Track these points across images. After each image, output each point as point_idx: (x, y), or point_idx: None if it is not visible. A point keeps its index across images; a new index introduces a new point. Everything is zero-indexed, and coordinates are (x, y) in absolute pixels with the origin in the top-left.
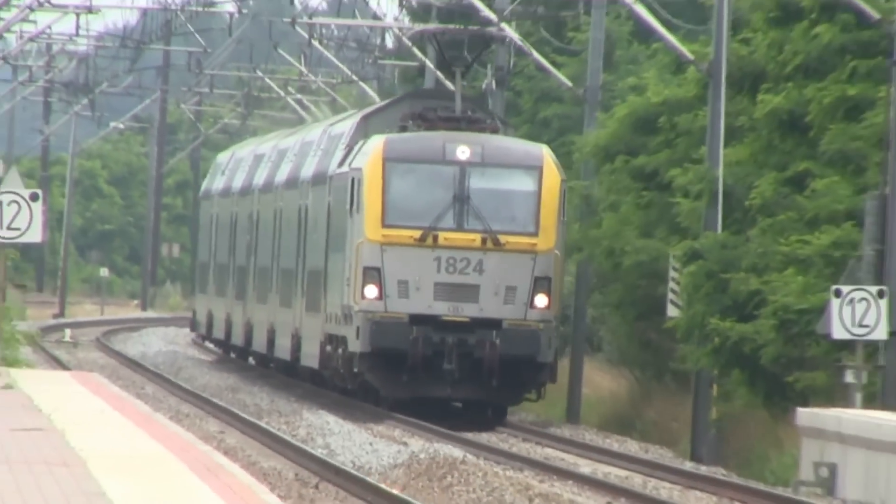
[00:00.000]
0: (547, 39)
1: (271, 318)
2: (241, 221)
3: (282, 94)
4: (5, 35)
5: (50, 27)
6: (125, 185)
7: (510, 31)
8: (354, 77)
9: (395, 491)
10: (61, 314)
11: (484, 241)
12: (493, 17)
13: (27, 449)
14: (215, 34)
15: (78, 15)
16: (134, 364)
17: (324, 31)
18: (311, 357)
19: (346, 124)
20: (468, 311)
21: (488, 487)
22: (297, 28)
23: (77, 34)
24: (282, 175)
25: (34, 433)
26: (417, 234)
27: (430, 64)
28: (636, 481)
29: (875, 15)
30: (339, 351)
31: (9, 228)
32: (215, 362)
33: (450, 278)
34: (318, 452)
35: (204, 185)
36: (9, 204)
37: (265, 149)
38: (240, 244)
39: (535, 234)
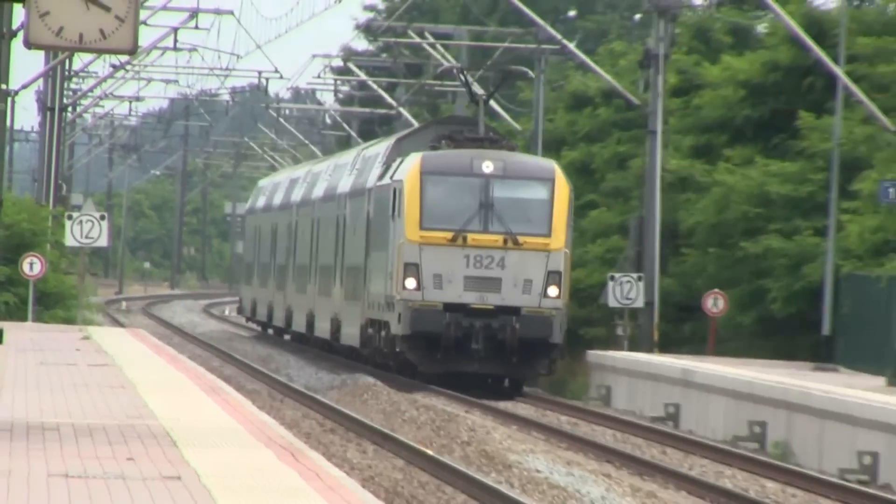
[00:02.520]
0: (427, 118)
1: (310, 305)
2: (280, 230)
3: (260, 152)
4: (84, 115)
5: (112, 110)
6: (160, 210)
7: (406, 113)
8: (306, 141)
9: (331, 402)
10: (119, 292)
11: (505, 241)
12: (394, 103)
13: (98, 377)
14: (217, 114)
15: (131, 102)
16: (166, 324)
17: (287, 111)
18: (351, 337)
19: (381, 147)
20: (492, 300)
21: (391, 401)
22: (270, 110)
23: (130, 114)
24: (318, 192)
25: (103, 367)
26: (449, 235)
27: (353, 133)
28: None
29: (636, 101)
30: (382, 333)
31: (86, 237)
32: (217, 324)
33: (477, 272)
34: (283, 379)
35: (248, 205)
36: (86, 222)
37: (299, 174)
38: (280, 247)
39: (549, 235)
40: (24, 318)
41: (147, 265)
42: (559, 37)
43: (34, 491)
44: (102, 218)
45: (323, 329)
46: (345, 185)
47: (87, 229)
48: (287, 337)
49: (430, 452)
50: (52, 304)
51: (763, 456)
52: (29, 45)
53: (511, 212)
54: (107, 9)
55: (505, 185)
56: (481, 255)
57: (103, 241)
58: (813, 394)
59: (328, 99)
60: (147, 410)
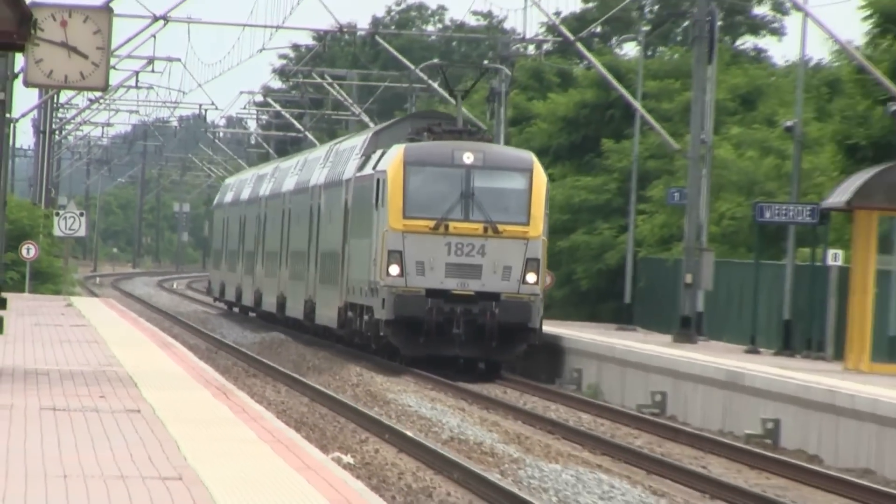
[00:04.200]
0: (326, 140)
1: (281, 288)
2: (249, 221)
3: (200, 165)
4: (68, 136)
5: (89, 133)
6: (125, 209)
7: (311, 136)
8: (235, 157)
9: (253, 354)
10: (94, 270)
11: (486, 229)
12: (301, 128)
13: (77, 335)
14: (168, 136)
15: (103, 127)
16: (129, 295)
17: (220, 134)
18: (327, 318)
19: (356, 140)
20: (473, 286)
21: (298, 353)
22: (208, 133)
23: (102, 136)
24: (288, 185)
25: (81, 327)
26: (432, 223)
27: (271, 150)
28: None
29: (484, 127)
30: (365, 317)
31: (69, 229)
32: (168, 295)
33: (458, 259)
34: (217, 336)
35: (216, 200)
36: (69, 217)
37: (266, 171)
38: (248, 236)
39: (527, 224)
40: (22, 291)
41: (115, 250)
42: (426, 78)
43: (29, 420)
44: (81, 215)
45: (295, 310)
46: (318, 177)
47: (70, 223)
48: (252, 315)
49: (409, 433)
50: (43, 280)
51: (580, 395)
52: (27, 84)
53: (491, 201)
54: (85, 57)
55: (485, 175)
56: (462, 243)
57: (82, 232)
58: (617, 347)
59: (252, 125)
60: (115, 360)
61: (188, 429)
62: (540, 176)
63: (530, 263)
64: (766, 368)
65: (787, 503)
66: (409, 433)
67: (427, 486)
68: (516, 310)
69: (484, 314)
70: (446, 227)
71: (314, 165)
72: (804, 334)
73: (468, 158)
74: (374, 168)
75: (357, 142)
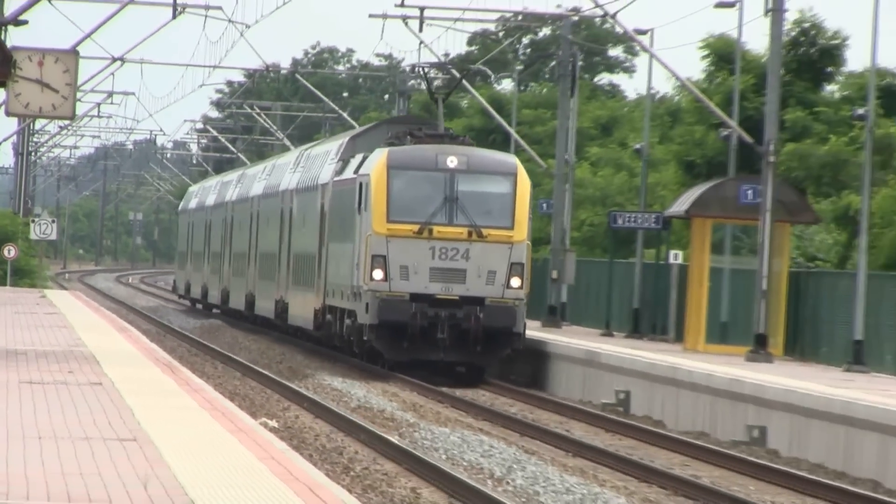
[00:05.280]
0: (256, 160)
1: (250, 287)
2: (215, 224)
3: (152, 181)
4: (42, 157)
5: (59, 154)
6: (89, 217)
7: (242, 156)
8: (180, 174)
9: (195, 336)
10: (63, 268)
11: (470, 233)
12: (235, 150)
13: (49, 321)
14: (124, 157)
15: (71, 149)
16: (92, 288)
17: (168, 155)
18: (301, 319)
19: (331, 145)
20: (457, 290)
21: (232, 336)
22: (157, 154)
23: (70, 157)
24: (257, 190)
25: (53, 315)
26: (416, 227)
27: (209, 169)
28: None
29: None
30: (347, 321)
31: (43, 233)
32: (124, 288)
33: (442, 264)
34: (165, 322)
35: (180, 207)
36: (43, 224)
37: (231, 178)
38: (214, 238)
39: (511, 228)
40: (4, 284)
41: (81, 251)
42: (337, 108)
43: (10, 391)
44: (53, 222)
45: (265, 309)
46: (289, 182)
47: (44, 228)
48: (216, 311)
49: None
50: (22, 276)
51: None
52: (8, 113)
53: (475, 205)
54: (55, 91)
55: (469, 179)
56: (446, 248)
57: (54, 236)
58: None
59: (194, 148)
60: (81, 342)
61: (141, 398)
62: (524, 180)
63: (515, 268)
64: (619, 348)
65: (636, 459)
66: (323, 402)
67: (339, 445)
68: (500, 314)
69: (468, 319)
70: (430, 231)
71: (283, 171)
72: (650, 320)
73: (452, 162)
74: (355, 172)
75: (332, 147)
